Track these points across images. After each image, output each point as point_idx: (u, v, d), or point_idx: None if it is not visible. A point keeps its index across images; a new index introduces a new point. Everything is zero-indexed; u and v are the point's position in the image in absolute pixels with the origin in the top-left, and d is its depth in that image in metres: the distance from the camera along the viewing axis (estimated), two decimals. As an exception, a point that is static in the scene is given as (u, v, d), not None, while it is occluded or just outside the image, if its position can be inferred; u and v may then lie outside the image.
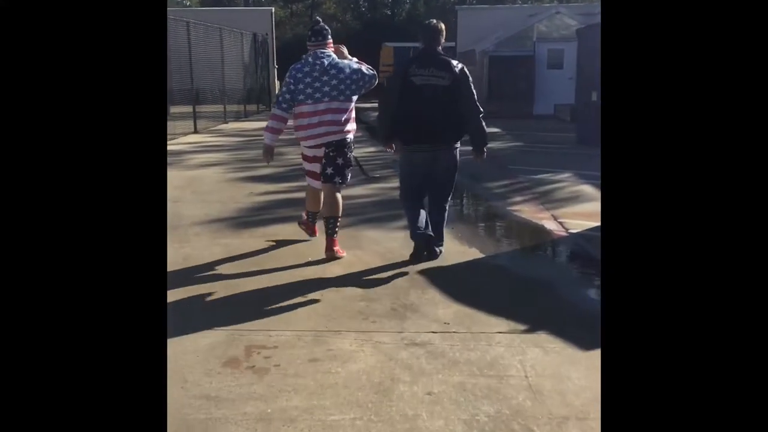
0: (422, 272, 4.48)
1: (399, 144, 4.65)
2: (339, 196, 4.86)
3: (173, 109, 16.93)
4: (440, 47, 4.55)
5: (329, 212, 4.80)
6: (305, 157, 5.01)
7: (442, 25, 4.64)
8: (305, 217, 5.28)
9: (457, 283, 4.27)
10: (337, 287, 4.18)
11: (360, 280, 4.34)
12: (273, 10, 26.20)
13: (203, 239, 5.35)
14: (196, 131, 14.03)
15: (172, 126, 13.47)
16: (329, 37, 4.80)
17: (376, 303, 3.90)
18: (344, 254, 4.82)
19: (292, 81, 4.71)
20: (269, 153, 4.93)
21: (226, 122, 16.20)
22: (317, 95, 4.66)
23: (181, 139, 12.77)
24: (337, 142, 4.74)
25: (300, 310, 3.80)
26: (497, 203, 7.01)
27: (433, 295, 4.05)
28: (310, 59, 4.72)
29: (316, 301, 3.94)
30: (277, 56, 24.81)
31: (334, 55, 4.76)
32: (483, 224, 6.25)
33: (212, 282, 4.27)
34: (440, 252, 4.77)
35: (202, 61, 14.93)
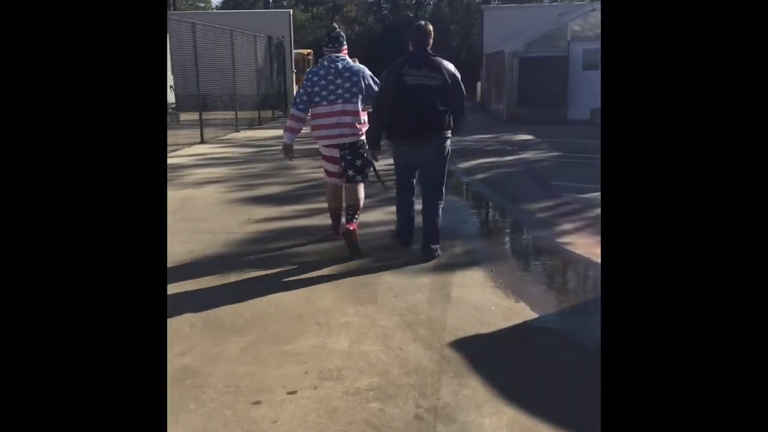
0: (457, 344, 3.31)
1: (393, 140, 4.82)
2: (361, 188, 5.15)
3: (183, 116, 16.02)
4: (429, 48, 4.69)
5: (351, 200, 5.05)
6: (324, 156, 5.23)
7: (431, 27, 4.77)
8: (331, 230, 5.39)
9: (506, 365, 3.10)
10: (339, 373, 3.03)
11: (372, 358, 3.18)
12: (291, 13, 25.24)
13: (174, 288, 4.21)
14: (202, 141, 12.97)
15: (175, 136, 12.47)
16: (345, 43, 5.07)
17: (393, 403, 2.74)
18: (359, 239, 4.98)
19: (308, 83, 4.97)
20: (289, 150, 5.26)
21: (238, 130, 15.15)
22: (332, 97, 4.91)
23: (185, 151, 11.73)
24: (350, 144, 5.00)
25: (282, 420, 2.65)
26: (543, 233, 5.77)
27: (475, 387, 2.87)
28: (326, 63, 5.00)
29: (307, 399, 2.79)
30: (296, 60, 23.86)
31: (348, 59, 5.03)
32: (529, 265, 5.01)
33: (172, 365, 3.14)
34: (437, 253, 4.86)
35: (210, 65, 13.91)
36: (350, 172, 5.04)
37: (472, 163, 9.89)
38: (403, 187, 4.97)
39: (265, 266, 4.72)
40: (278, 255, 5.01)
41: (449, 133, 4.77)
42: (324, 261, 4.79)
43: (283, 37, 20.31)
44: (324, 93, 4.90)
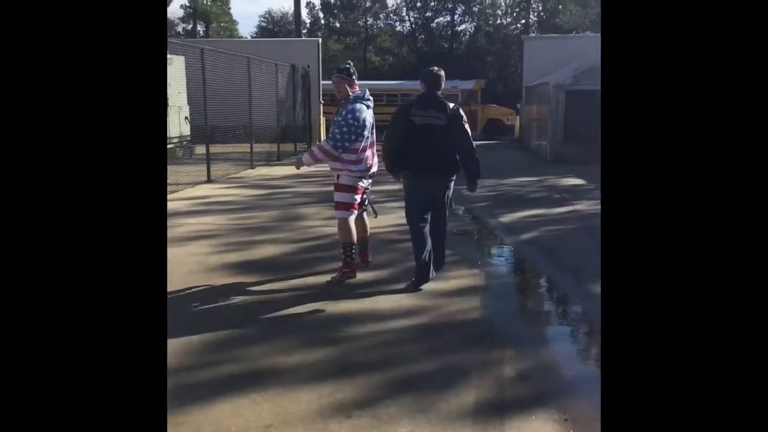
0: None
1: (404, 174, 5.05)
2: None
3: (199, 150, 14.70)
4: (440, 91, 4.97)
5: (364, 231, 5.42)
6: (354, 189, 5.17)
7: (442, 72, 5.01)
8: (341, 273, 5.18)
9: None
10: None
11: None
12: (320, 41, 24.09)
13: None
14: (209, 180, 11.57)
15: (180, 174, 11.12)
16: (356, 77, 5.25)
17: None
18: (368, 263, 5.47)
19: (359, 128, 4.99)
20: (300, 165, 5.30)
21: (253, 167, 13.77)
22: (366, 133, 5.06)
23: (186, 192, 10.32)
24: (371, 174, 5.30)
25: None
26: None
27: None
28: (368, 103, 5.15)
29: None
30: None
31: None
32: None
33: None
34: (433, 275, 5.06)
35: (222, 94, 12.61)
36: (366, 204, 5.40)
37: (515, 216, 8.28)
38: (415, 222, 5.06)
39: (227, 395, 3.16)
40: (256, 372, 3.47)
41: (454, 176, 5.08)
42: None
43: (308, 66, 19.05)
44: (367, 133, 5.09)
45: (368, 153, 5.10)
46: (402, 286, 5.04)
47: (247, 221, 7.88)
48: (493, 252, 6.78)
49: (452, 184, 5.07)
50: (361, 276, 5.23)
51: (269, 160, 15.20)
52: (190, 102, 15.13)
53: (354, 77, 5.16)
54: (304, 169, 5.52)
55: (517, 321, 4.47)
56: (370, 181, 5.26)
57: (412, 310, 4.51)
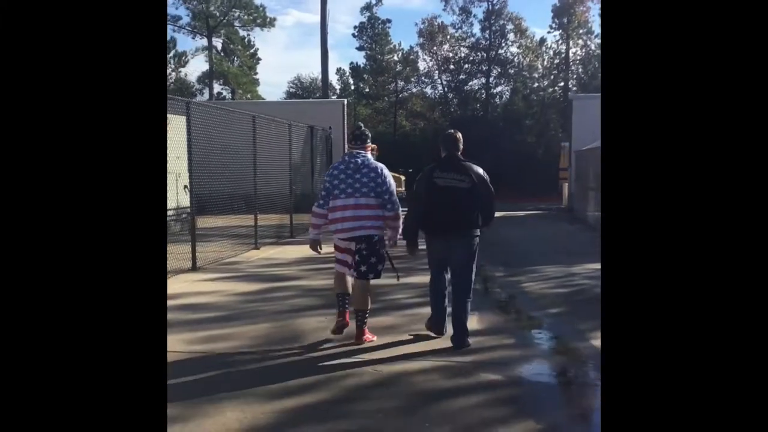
0: None
1: (427, 236, 5.25)
2: (368, 288, 5.18)
3: (204, 221, 12.32)
4: (459, 152, 5.21)
5: (360, 305, 5.15)
6: (337, 247, 5.28)
7: (460, 135, 5.28)
8: (336, 324, 5.25)
9: None
10: None
11: None
12: (345, 102, 22.06)
13: None
14: (194, 268, 9.07)
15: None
16: (368, 141, 5.37)
17: None
18: (374, 338, 5.21)
19: (328, 178, 5.19)
20: (316, 246, 5.38)
21: (257, 246, 11.32)
22: (349, 190, 5.06)
23: (158, 286, 7.82)
24: (367, 237, 5.07)
25: None
26: None
27: None
28: (346, 158, 5.25)
29: None
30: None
31: (369, 155, 5.27)
32: None
33: None
34: (468, 343, 5.05)
35: (218, 157, 10.35)
36: (363, 268, 5.08)
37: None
38: (435, 278, 5.25)
39: None
40: None
41: (478, 231, 5.17)
42: None
43: (330, 128, 16.83)
44: (342, 186, 5.06)
45: (349, 213, 5.08)
46: None
47: (216, 346, 5.29)
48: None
49: (477, 240, 5.16)
50: None
51: (280, 236, 12.77)
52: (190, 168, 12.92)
53: (354, 142, 5.32)
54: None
55: None
56: (364, 244, 5.10)
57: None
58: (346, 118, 20.65)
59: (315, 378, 4.41)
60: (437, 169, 5.15)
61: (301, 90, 47.38)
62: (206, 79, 42.93)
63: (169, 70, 38.99)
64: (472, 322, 5.44)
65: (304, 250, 10.69)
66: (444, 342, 5.21)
